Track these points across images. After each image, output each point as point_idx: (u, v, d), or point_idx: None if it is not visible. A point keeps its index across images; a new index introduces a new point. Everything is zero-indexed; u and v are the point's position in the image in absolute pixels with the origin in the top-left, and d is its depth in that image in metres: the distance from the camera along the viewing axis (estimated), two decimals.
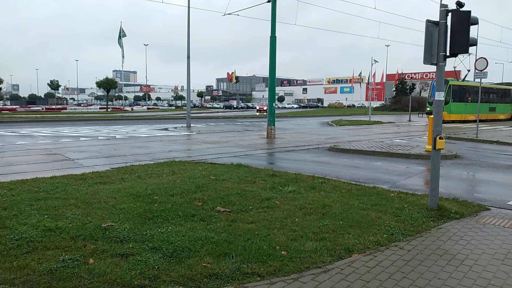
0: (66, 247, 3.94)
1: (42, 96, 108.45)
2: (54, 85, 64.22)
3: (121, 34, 48.66)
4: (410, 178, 8.62)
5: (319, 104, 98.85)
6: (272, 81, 18.07)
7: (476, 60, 17.63)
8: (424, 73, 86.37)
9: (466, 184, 8.69)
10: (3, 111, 44.81)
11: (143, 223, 4.70)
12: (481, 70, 17.37)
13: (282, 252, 3.95)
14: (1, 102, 63.23)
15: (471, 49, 5.70)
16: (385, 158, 11.56)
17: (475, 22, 5.53)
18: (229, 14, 20.13)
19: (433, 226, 5.05)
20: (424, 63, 5.71)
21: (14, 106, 62.64)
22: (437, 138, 5.61)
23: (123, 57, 51.60)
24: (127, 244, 4.07)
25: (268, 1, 17.30)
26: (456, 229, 5.01)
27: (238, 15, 20.18)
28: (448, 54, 5.55)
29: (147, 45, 74.47)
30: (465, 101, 31.09)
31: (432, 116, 29.39)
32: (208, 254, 3.87)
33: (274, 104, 18.03)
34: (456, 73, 31.64)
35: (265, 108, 52.71)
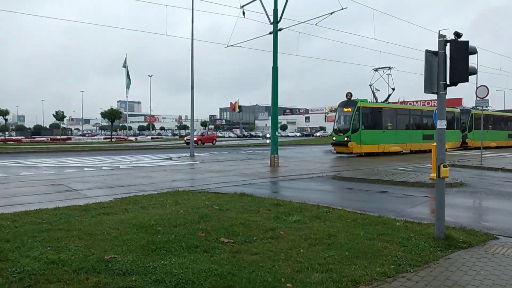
0: (68, 280, 3.88)
1: (47, 127, 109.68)
2: (59, 116, 65.13)
3: (125, 65, 49.89)
4: (416, 207, 8.53)
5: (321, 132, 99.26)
6: (274, 110, 18.29)
7: (477, 88, 17.83)
8: (426, 100, 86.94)
9: (473, 213, 8.58)
10: (8, 142, 45.26)
11: (146, 255, 4.65)
12: (482, 98, 17.52)
13: (288, 285, 3.88)
14: (7, 133, 64.01)
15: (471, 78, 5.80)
16: (389, 186, 11.48)
17: (474, 51, 5.62)
18: (232, 46, 20.57)
19: (441, 256, 4.96)
20: (424, 92, 5.77)
21: (19, 137, 63.34)
22: (441, 166, 5.59)
23: (127, 88, 52.57)
24: (130, 276, 4.01)
25: (270, 33, 17.73)
26: (464, 259, 4.91)
27: (240, 46, 20.63)
28: (448, 83, 5.62)
29: (151, 76, 75.65)
30: (383, 128, 24.32)
31: (340, 146, 24.06)
32: (212, 286, 3.80)
33: (277, 132, 18.16)
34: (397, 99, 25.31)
35: (194, 138, 41.40)
